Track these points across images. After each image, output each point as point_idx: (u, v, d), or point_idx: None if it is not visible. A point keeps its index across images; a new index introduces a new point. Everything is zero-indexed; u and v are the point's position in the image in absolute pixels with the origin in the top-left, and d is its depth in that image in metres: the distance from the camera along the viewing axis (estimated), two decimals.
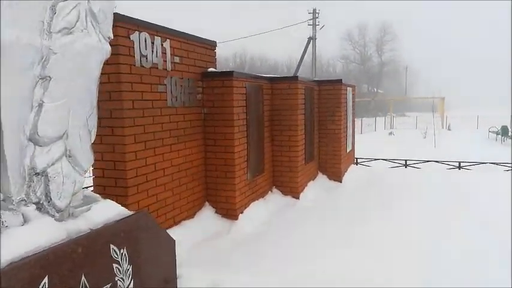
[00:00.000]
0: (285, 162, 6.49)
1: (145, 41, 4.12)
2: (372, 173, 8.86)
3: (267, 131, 6.28)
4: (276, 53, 64.01)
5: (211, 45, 5.39)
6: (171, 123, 4.56)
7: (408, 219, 5.45)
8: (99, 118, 3.97)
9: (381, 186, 7.61)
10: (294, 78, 6.33)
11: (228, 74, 5.10)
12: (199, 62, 5.14)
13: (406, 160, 10.06)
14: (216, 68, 5.52)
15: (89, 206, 2.29)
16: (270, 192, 6.45)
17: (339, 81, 7.58)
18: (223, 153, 5.24)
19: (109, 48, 2.56)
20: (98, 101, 3.96)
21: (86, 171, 2.32)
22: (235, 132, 5.15)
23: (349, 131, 8.64)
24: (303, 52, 24.74)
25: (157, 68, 4.31)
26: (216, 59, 5.57)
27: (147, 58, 4.14)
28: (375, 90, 60.61)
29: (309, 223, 5.39)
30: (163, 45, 4.40)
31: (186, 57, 4.85)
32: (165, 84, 4.45)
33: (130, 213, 2.52)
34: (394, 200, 6.45)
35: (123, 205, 4.01)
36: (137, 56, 3.99)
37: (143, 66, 4.09)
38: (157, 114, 4.32)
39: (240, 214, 5.33)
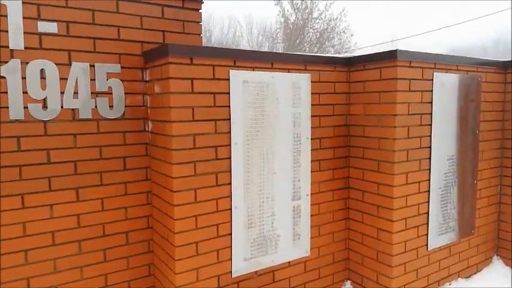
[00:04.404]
0: (369, 240, 3.04)
1: None
2: None
3: (321, 168, 3.04)
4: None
5: None
6: (19, 153, 2.33)
7: None
8: None
9: None
10: (391, 53, 2.77)
11: (161, 51, 2.38)
12: (136, 34, 2.63)
13: None
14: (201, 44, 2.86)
15: None
16: None
17: None
18: (163, 215, 2.58)
19: None
20: None
21: None
22: (174, 176, 2.38)
23: None
24: None
25: None
26: (200, 26, 2.87)
27: None
28: None
29: None
30: None
31: (88, 22, 2.47)
32: (4, 77, 2.26)
33: None
34: None
35: None
36: None
37: None
38: None
39: None
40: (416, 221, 3.00)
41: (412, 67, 2.82)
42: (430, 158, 3.02)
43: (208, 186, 2.50)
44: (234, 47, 26.34)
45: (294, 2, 25.20)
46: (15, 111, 2.29)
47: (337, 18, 25.43)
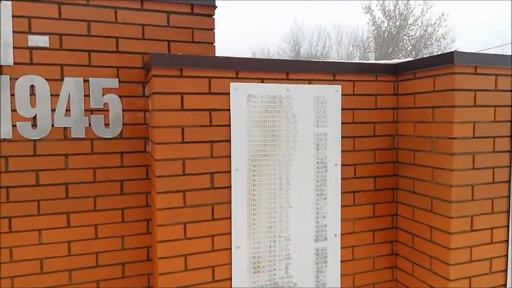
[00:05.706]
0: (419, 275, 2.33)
1: None
2: None
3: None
4: None
5: (185, 3, 2.43)
6: (7, 174, 2.20)
7: None
8: None
9: None
10: (446, 56, 2.07)
11: (147, 63, 2.06)
12: (137, 44, 2.37)
13: None
14: (214, 54, 2.51)
15: None
16: None
17: None
18: (154, 250, 2.23)
19: None
20: None
21: None
22: (158, 207, 2.02)
23: None
24: None
25: None
26: (213, 34, 2.51)
27: None
28: None
29: None
30: None
31: (83, 34, 2.28)
32: None
33: None
34: None
35: None
36: None
37: None
38: None
39: None
40: (487, 281, 2.21)
41: (478, 74, 2.08)
42: (509, 197, 2.21)
43: (201, 220, 2.10)
44: (323, 59, 25.70)
45: (386, 9, 23.74)
46: (3, 130, 2.17)
47: (435, 23, 23.26)
